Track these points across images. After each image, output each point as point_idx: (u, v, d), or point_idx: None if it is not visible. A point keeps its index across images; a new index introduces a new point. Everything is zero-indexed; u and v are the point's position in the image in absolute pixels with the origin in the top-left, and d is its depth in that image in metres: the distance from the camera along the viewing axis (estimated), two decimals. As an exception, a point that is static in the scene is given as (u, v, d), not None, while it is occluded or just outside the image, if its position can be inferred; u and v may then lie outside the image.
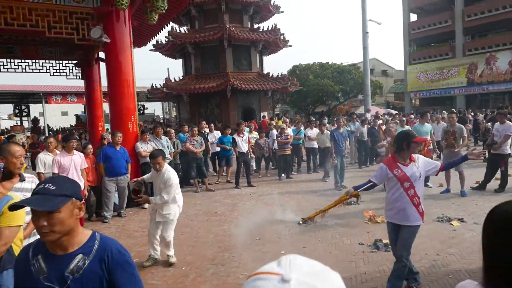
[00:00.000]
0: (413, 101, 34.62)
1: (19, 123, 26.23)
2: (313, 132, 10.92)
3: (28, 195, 2.98)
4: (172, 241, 4.66)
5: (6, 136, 16.54)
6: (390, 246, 4.76)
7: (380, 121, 12.60)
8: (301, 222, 4.00)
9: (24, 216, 2.53)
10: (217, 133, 10.79)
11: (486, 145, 9.43)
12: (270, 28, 19.90)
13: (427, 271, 4.10)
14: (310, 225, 5.94)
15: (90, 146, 6.91)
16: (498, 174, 7.57)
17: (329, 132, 9.91)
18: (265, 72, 20.94)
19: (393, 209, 3.56)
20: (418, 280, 3.74)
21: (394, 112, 25.32)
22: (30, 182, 3.08)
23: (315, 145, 10.72)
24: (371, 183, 3.68)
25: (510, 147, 7.71)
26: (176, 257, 4.86)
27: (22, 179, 3.05)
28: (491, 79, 28.07)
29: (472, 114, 18.40)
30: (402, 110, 31.55)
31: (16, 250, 2.51)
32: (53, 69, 11.42)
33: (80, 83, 12.32)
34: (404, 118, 11.33)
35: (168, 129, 10.15)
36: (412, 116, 15.73)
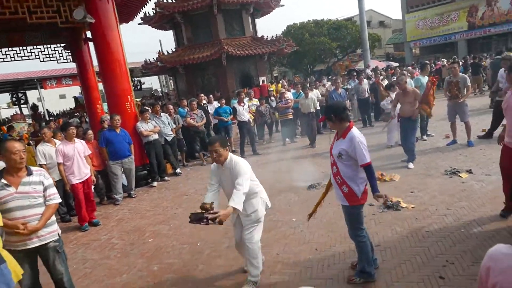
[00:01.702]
0: (413, 51, 33.77)
1: (18, 111, 26.03)
2: (314, 93, 10.71)
3: (37, 188, 3.04)
4: (259, 253, 3.43)
5: (6, 126, 16.45)
6: (400, 205, 4.80)
7: (381, 77, 12.25)
8: (308, 220, 3.92)
9: None
10: (217, 104, 10.64)
11: (491, 92, 9.28)
12: (260, -11, 19.05)
13: (438, 226, 4.12)
14: (319, 190, 5.96)
15: (90, 132, 6.85)
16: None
17: (314, 97, 9.81)
18: (259, 35, 20.32)
19: None
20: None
21: (394, 64, 24.83)
22: (38, 175, 3.17)
23: (317, 107, 10.57)
24: None
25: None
26: (189, 233, 4.93)
27: (29, 173, 3.14)
28: (493, 21, 27.12)
29: (473, 59, 17.93)
30: (402, 61, 30.90)
31: None
32: (42, 54, 11.09)
33: (74, 65, 12.04)
34: (409, 69, 11.05)
35: (167, 105, 10.00)
36: (409, 67, 15.29)
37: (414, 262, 3.49)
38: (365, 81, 11.55)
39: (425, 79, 8.35)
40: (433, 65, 17.79)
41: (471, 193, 4.91)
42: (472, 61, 15.26)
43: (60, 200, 3.31)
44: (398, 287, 3.16)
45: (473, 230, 3.93)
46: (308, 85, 11.41)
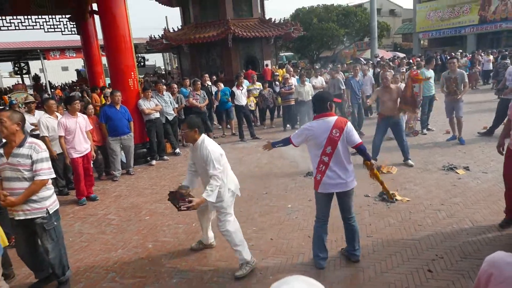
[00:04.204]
0: (421, 42, 33.31)
1: (20, 81, 25.93)
2: (318, 80, 10.65)
3: (23, 161, 3.00)
4: (236, 239, 3.49)
5: (9, 95, 16.41)
6: (395, 198, 4.85)
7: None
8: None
9: None
10: (221, 86, 10.60)
11: (496, 90, 9.22)
12: (270, -31, 18.68)
13: (431, 221, 4.18)
14: (316, 178, 6.01)
15: (91, 106, 6.86)
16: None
17: (310, 84, 9.76)
18: (266, 17, 20.02)
19: None
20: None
21: (401, 55, 24.53)
22: (29, 148, 3.06)
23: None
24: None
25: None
26: (186, 213, 4.99)
27: (20, 145, 3.05)
28: (505, 15, 26.61)
29: (482, 54, 17.74)
30: (410, 52, 30.49)
31: None
32: (46, 24, 11.00)
33: (78, 37, 11.93)
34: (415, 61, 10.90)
35: (172, 84, 9.95)
36: (411, 60, 14.99)
37: (404, 254, 3.55)
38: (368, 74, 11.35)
39: (429, 73, 8.30)
40: (439, 58, 17.51)
41: (466, 190, 4.95)
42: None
43: (51, 176, 3.14)
44: (387, 278, 3.23)
45: (464, 226, 3.99)
46: (313, 71, 11.32)
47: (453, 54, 18.36)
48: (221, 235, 3.54)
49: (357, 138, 3.28)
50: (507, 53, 14.69)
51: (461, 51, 19.51)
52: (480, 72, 16.53)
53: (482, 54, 17.68)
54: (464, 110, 7.39)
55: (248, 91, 10.54)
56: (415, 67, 9.58)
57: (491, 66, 15.86)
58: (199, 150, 3.38)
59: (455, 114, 7.19)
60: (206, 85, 10.40)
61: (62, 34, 11.39)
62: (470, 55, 18.07)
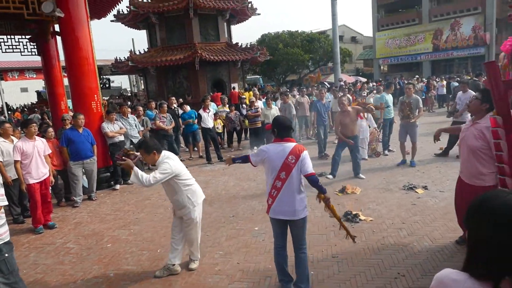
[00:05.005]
0: (381, 68, 35.16)
1: (-27, 103, 24.55)
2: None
3: None
4: (196, 244, 3.97)
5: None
6: (359, 218, 4.97)
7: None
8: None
9: None
10: (188, 108, 10.58)
11: (448, 113, 9.84)
12: (237, -4, 19.22)
13: (393, 239, 4.31)
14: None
15: (50, 129, 6.58)
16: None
17: (277, 108, 10.02)
18: (233, 42, 20.44)
19: None
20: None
21: (363, 79, 25.70)
22: None
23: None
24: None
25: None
26: (150, 239, 4.85)
27: None
28: (455, 44, 28.83)
29: (437, 80, 18.96)
30: (371, 77, 32.05)
31: None
32: (4, 45, 10.58)
33: (38, 58, 11.55)
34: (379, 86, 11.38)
35: (137, 106, 9.81)
36: (369, 84, 15.67)
37: (368, 274, 3.62)
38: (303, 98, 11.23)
39: (389, 97, 8.76)
40: (397, 83, 18.48)
41: (425, 209, 5.17)
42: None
43: (4, 203, 2.88)
44: (351, 298, 3.26)
45: (424, 244, 4.14)
46: (279, 94, 11.58)
47: (410, 79, 19.48)
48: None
49: (310, 168, 3.21)
50: (457, 78, 15.84)
51: (417, 76, 20.78)
52: (435, 96, 17.62)
53: (437, 80, 18.91)
54: (421, 132, 7.79)
55: (216, 113, 10.60)
56: (375, 91, 10.04)
57: (444, 91, 17.00)
58: (160, 164, 3.66)
59: (410, 139, 7.47)
60: (173, 107, 10.35)
61: (22, 55, 10.99)
62: (426, 80, 19.24)
